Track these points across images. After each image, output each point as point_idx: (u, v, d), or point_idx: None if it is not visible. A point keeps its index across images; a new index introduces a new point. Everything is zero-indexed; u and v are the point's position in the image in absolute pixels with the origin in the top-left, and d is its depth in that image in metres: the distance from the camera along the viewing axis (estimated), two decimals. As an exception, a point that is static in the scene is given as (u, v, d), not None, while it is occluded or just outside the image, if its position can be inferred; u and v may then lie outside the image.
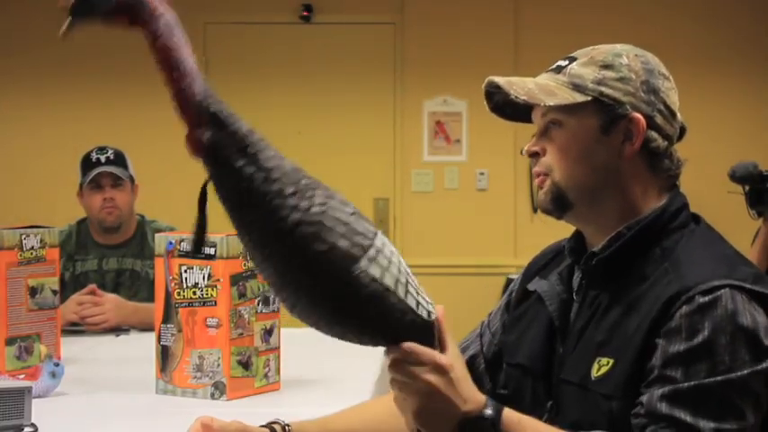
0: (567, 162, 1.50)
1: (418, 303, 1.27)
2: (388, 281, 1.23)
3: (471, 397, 1.31)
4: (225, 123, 1.21)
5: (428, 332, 1.29)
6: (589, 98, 1.48)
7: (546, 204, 1.53)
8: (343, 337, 1.27)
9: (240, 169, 1.21)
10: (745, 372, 1.34)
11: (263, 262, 1.23)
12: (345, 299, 1.22)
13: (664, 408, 1.34)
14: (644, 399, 1.37)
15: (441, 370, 1.28)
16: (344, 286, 1.21)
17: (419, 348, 1.27)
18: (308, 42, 5.80)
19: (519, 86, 1.49)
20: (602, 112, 1.48)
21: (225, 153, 1.21)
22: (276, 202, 1.20)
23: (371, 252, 1.22)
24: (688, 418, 1.33)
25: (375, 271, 1.22)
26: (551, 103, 1.48)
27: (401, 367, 1.27)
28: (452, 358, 1.30)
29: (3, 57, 5.87)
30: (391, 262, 1.24)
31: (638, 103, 1.49)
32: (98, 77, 5.87)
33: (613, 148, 1.49)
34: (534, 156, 1.53)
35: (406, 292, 1.25)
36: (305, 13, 5.83)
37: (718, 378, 1.34)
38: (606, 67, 1.50)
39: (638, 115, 1.48)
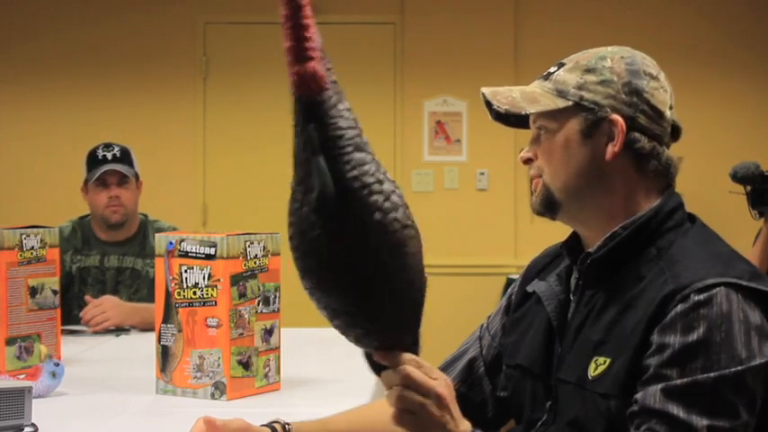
0: (552, 165, 1.53)
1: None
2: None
3: (460, 422, 1.32)
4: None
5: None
6: (570, 103, 1.51)
7: (536, 206, 1.57)
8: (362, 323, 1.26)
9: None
10: (740, 368, 1.34)
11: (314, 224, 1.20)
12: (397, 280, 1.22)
13: (657, 404, 1.34)
14: (638, 396, 1.37)
15: (439, 400, 1.29)
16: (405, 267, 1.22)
17: (418, 376, 1.28)
18: (309, 42, 5.79)
19: (502, 96, 1.54)
20: (583, 115, 1.50)
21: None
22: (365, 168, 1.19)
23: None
24: (681, 414, 1.33)
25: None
26: (532, 111, 1.52)
27: (403, 397, 1.28)
28: (446, 385, 1.31)
29: (3, 56, 5.87)
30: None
31: (618, 105, 1.49)
32: (100, 76, 5.87)
33: (596, 151, 1.50)
34: (528, 162, 1.57)
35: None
36: (305, 13, 5.83)
37: (712, 374, 1.34)
38: (589, 71, 1.52)
39: (617, 117, 1.49)
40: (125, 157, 3.50)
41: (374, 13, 5.87)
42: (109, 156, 3.47)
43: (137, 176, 3.53)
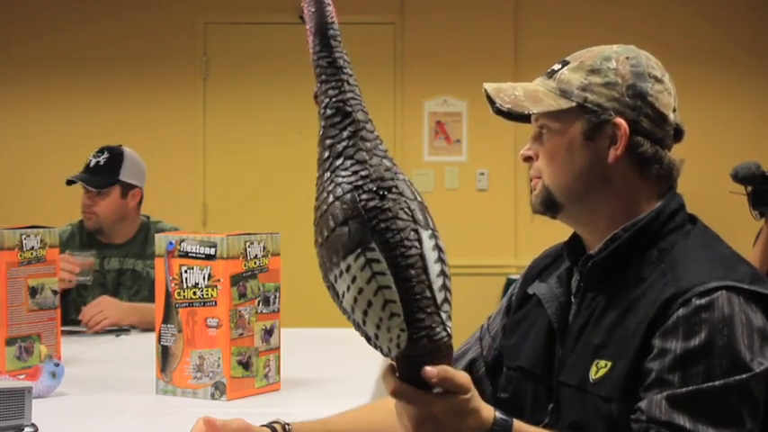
0: (554, 166, 1.52)
1: (377, 335, 1.21)
2: (347, 303, 1.22)
3: (483, 408, 1.29)
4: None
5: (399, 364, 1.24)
6: (573, 104, 1.50)
7: (536, 206, 1.56)
8: None
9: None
10: (744, 376, 1.34)
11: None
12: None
13: (663, 413, 1.34)
14: (643, 404, 1.36)
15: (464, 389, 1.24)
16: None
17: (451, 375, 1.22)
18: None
19: (505, 94, 1.52)
20: (587, 117, 1.49)
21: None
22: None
23: (335, 272, 1.22)
24: (687, 424, 1.33)
25: (339, 288, 1.22)
26: (535, 111, 1.51)
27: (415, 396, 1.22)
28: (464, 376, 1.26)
29: (3, 56, 5.87)
30: (361, 290, 1.20)
31: (622, 108, 1.49)
32: (100, 76, 5.87)
33: (598, 153, 1.50)
34: (528, 160, 1.56)
35: (364, 320, 1.21)
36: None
37: (717, 383, 1.33)
38: (593, 72, 1.50)
39: (621, 120, 1.48)
40: (109, 166, 3.45)
41: (374, 13, 5.87)
42: (92, 162, 3.47)
43: (123, 185, 3.47)
